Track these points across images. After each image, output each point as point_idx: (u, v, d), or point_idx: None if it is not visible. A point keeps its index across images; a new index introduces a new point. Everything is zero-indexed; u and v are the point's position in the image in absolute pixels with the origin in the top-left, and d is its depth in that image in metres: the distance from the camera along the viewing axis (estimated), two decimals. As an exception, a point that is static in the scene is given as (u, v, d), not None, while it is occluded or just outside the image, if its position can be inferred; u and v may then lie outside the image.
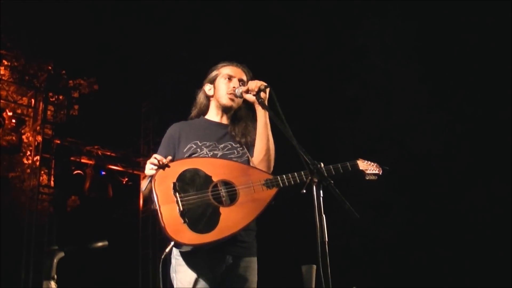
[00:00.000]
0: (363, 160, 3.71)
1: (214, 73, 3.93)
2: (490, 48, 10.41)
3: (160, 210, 3.25)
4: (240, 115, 3.89)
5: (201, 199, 3.33)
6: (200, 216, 3.28)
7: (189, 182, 3.38)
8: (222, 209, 3.33)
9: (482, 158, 10.64)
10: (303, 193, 2.98)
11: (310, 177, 2.96)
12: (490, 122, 10.56)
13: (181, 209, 3.25)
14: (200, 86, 4.00)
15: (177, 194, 3.29)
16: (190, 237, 3.21)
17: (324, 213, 2.84)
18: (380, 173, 3.74)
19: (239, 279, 3.51)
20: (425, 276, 11.08)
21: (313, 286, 6.15)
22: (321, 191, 2.90)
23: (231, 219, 3.32)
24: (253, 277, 3.57)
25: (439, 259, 11.00)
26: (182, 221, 3.22)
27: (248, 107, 3.85)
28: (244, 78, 3.88)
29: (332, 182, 2.89)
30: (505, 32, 9.91)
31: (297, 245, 9.92)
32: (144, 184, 3.58)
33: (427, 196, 11.18)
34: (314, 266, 6.12)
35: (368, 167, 3.71)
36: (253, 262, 3.60)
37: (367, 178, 3.69)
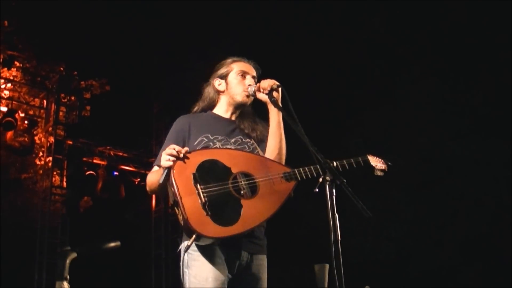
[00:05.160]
0: (373, 156, 3.72)
1: (225, 69, 3.86)
2: (492, 46, 10.38)
3: (181, 202, 3.15)
4: (247, 111, 3.85)
5: (222, 190, 3.26)
6: (222, 208, 3.21)
7: (208, 173, 3.30)
8: (244, 201, 3.28)
9: (489, 156, 10.60)
10: (316, 192, 2.96)
11: (323, 176, 2.94)
12: (497, 121, 10.53)
13: (203, 200, 3.17)
14: (207, 81, 3.96)
15: (198, 185, 3.22)
16: (215, 230, 3.14)
17: (337, 212, 2.83)
18: (386, 170, 3.75)
19: (253, 278, 3.49)
20: (438, 276, 11.04)
21: (326, 285, 6.14)
22: (334, 190, 2.88)
23: (254, 211, 3.27)
24: (265, 276, 3.55)
25: (451, 259, 10.96)
26: (205, 213, 3.14)
27: (253, 103, 3.83)
28: (255, 74, 3.84)
29: (345, 180, 2.88)
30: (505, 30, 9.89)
31: (310, 244, 9.91)
32: (153, 177, 3.53)
33: (441, 195, 11.14)
34: (327, 265, 6.11)
35: (377, 163, 3.71)
36: (265, 260, 3.58)
37: (376, 174, 3.70)
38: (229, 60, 3.90)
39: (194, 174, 3.26)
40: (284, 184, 3.40)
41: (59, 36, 11.93)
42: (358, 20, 11.42)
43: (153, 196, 13.71)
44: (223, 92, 3.85)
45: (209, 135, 3.64)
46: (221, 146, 3.61)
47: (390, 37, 11.22)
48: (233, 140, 3.68)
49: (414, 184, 11.08)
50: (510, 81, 10.08)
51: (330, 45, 11.47)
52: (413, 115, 11.19)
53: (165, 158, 3.27)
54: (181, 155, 3.28)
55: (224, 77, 3.85)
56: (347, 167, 3.48)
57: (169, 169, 3.26)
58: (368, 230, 10.78)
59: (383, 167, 3.73)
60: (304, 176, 3.41)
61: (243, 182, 3.35)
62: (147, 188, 3.65)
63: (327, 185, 2.88)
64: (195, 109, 3.93)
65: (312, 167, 3.37)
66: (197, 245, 3.36)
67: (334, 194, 2.87)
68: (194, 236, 3.12)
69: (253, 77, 3.81)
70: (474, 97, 10.66)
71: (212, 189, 3.25)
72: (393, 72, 11.25)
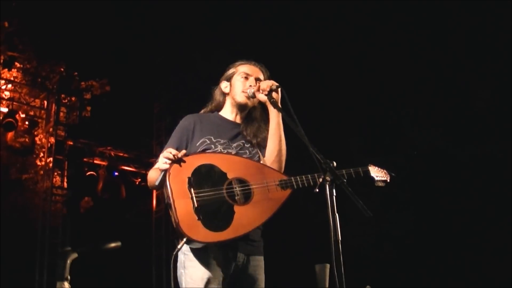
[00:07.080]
0: (374, 166, 3.71)
1: (231, 71, 3.90)
2: (493, 46, 10.39)
3: (174, 205, 3.19)
4: (255, 115, 3.85)
5: (216, 196, 3.29)
6: (214, 214, 3.24)
7: (204, 178, 3.33)
8: (237, 208, 3.30)
9: (489, 156, 10.61)
10: (316, 192, 2.96)
11: (323, 176, 2.94)
12: (496, 118, 10.55)
13: (196, 205, 3.20)
14: (217, 83, 3.98)
15: (192, 190, 3.24)
16: (204, 235, 3.18)
17: (337, 212, 2.83)
18: (388, 180, 3.73)
19: (249, 279, 3.51)
20: (439, 275, 11.04)
21: (327, 285, 6.14)
22: (334, 190, 2.88)
23: (246, 218, 3.30)
24: (262, 276, 3.57)
25: (452, 259, 10.96)
26: (197, 217, 3.17)
27: (263, 108, 3.82)
28: (261, 77, 3.84)
29: (345, 180, 2.88)
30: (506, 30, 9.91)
31: (311, 244, 9.91)
32: (153, 174, 3.55)
33: (441, 195, 11.14)
34: (328, 265, 6.11)
35: (378, 174, 3.70)
36: (262, 261, 3.60)
37: (377, 185, 3.69)
38: (237, 63, 3.94)
39: (189, 178, 3.29)
40: (280, 192, 3.42)
41: (59, 36, 11.94)
42: (358, 22, 11.43)
43: (154, 196, 13.74)
44: (228, 94, 3.88)
45: (212, 137, 3.66)
46: (222, 150, 3.62)
47: (390, 37, 11.23)
48: (235, 144, 3.69)
49: (414, 184, 11.07)
50: (510, 81, 10.09)
51: (331, 45, 11.48)
52: (413, 115, 11.19)
53: (162, 160, 3.32)
54: (177, 158, 3.30)
55: (229, 79, 3.89)
56: (345, 177, 3.47)
57: (165, 171, 3.29)
58: (369, 229, 10.78)
59: (385, 178, 3.73)
60: (300, 185, 3.42)
61: (237, 188, 3.37)
62: (148, 184, 3.71)
63: (327, 185, 2.89)
64: (204, 109, 3.98)
65: (309, 175, 3.39)
66: (191, 247, 3.40)
67: (334, 194, 2.88)
68: (184, 239, 3.16)
69: (257, 79, 3.81)
70: (475, 97, 10.67)
71: (205, 194, 3.28)
72: (394, 73, 11.24)
